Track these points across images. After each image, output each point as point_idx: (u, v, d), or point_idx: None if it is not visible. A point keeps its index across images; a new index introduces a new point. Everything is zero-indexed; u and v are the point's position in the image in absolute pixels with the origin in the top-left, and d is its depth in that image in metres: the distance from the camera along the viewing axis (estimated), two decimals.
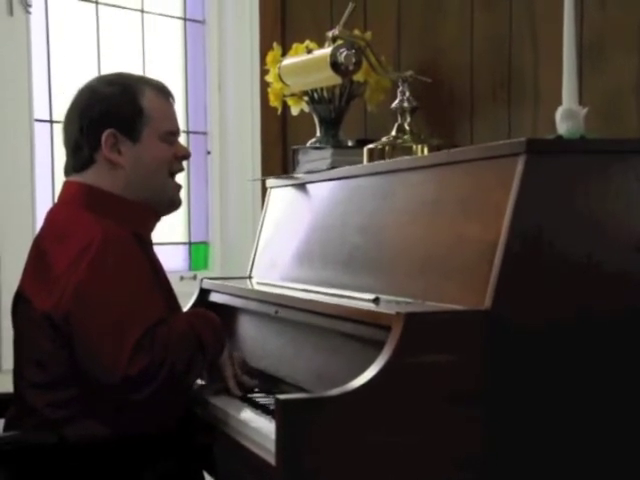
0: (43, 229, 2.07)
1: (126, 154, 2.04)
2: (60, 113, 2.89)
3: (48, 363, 1.93)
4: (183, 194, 2.19)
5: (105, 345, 1.84)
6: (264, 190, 2.88)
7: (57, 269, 1.92)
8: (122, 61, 3.20)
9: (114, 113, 2.03)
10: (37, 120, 2.96)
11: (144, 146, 2.05)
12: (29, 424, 1.96)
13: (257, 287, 2.39)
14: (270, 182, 2.71)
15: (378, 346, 1.59)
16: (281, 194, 2.60)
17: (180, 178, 2.17)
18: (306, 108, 2.74)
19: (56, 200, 2.15)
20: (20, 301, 2.01)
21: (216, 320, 2.06)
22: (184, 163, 2.18)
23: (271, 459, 1.60)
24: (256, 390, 2.07)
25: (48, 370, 1.93)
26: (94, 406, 1.91)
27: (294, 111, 2.78)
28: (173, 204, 2.15)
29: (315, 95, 2.68)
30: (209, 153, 3.43)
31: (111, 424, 1.91)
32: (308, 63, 2.47)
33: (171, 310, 2.06)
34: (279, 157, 3.22)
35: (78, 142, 2.05)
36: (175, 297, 2.13)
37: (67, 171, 2.11)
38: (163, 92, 2.11)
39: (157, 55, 3.34)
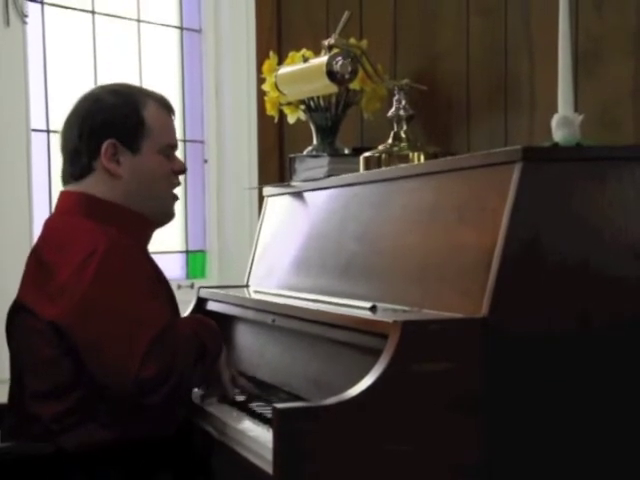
0: (41, 239, 2.07)
1: (125, 165, 2.04)
2: (57, 123, 2.91)
3: (51, 371, 1.93)
4: (180, 202, 2.20)
5: (116, 351, 1.85)
6: (261, 198, 2.88)
7: (61, 277, 1.91)
8: (119, 70, 3.20)
9: (116, 123, 2.03)
10: (34, 130, 2.96)
11: (143, 158, 2.06)
12: (28, 434, 1.95)
13: (254, 295, 2.39)
14: (267, 190, 2.71)
15: (375, 354, 1.59)
16: (278, 202, 2.61)
17: (177, 189, 2.17)
18: (303, 116, 2.74)
19: (53, 210, 2.15)
20: (19, 312, 2.01)
21: (214, 326, 2.07)
22: (181, 177, 2.19)
23: (269, 468, 1.60)
24: (253, 399, 2.06)
25: (51, 378, 1.93)
26: (95, 414, 1.92)
27: (291, 119, 2.79)
28: (167, 216, 2.16)
29: (311, 103, 2.68)
30: (206, 161, 3.43)
31: (110, 431, 1.91)
32: (304, 72, 2.48)
33: (175, 316, 2.07)
34: (276, 165, 3.22)
35: (77, 149, 2.05)
36: (176, 304, 2.14)
37: (64, 178, 2.11)
38: (165, 106, 2.12)
39: (154, 64, 3.34)
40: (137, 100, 2.07)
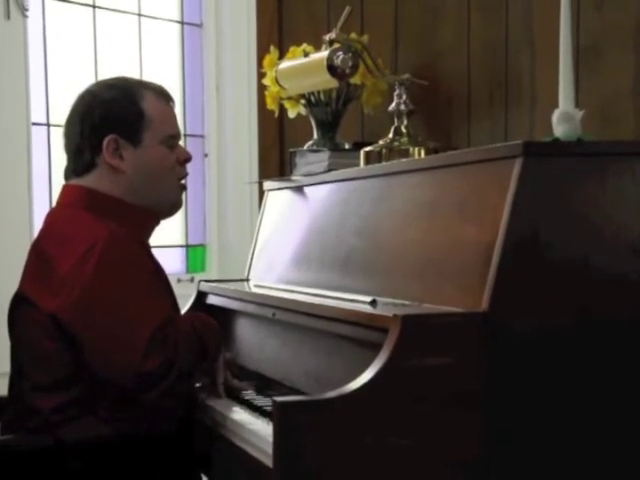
0: (43, 231, 2.07)
1: (128, 159, 2.04)
2: (57, 117, 2.91)
3: (52, 364, 1.93)
4: None
5: (117, 345, 1.85)
6: (261, 193, 2.88)
7: (62, 269, 1.91)
8: (119, 65, 3.19)
9: (115, 117, 2.03)
10: (34, 123, 2.96)
11: (145, 150, 2.05)
12: (28, 427, 1.95)
13: (254, 289, 2.39)
14: (267, 185, 2.71)
15: (375, 348, 1.59)
16: (278, 197, 2.61)
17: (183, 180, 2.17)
18: (303, 111, 2.74)
19: (54, 203, 2.15)
20: (20, 304, 2.01)
21: (215, 325, 2.07)
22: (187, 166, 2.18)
23: (268, 461, 1.60)
24: (251, 391, 2.07)
25: (52, 371, 1.93)
26: (94, 407, 1.92)
27: (291, 114, 2.79)
28: (174, 207, 2.15)
29: (312, 98, 2.68)
30: (206, 156, 3.43)
31: (110, 425, 1.92)
32: (305, 66, 2.48)
33: (175, 311, 2.07)
34: (276, 160, 3.22)
35: (79, 147, 2.05)
36: (176, 299, 2.14)
37: (67, 175, 2.11)
38: (163, 96, 2.11)
39: (154, 58, 3.34)
40: (135, 92, 2.06)
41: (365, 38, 2.57)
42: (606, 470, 1.67)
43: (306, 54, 2.52)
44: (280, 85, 2.63)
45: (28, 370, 1.98)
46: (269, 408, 1.79)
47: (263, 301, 2.19)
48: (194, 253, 3.45)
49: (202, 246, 3.46)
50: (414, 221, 1.90)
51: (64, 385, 1.93)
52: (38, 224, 2.12)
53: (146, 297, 1.92)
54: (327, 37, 2.39)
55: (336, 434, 1.52)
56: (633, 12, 2.16)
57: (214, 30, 3.41)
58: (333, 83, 2.41)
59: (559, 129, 1.74)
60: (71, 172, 2.09)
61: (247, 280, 2.59)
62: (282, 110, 2.82)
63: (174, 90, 3.11)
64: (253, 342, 2.29)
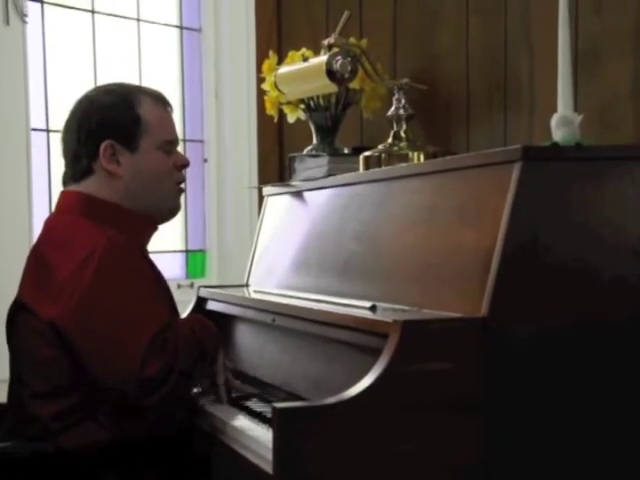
0: (41, 238, 2.07)
1: (125, 165, 2.04)
2: (56, 122, 2.91)
3: (51, 371, 1.93)
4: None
5: (116, 352, 1.85)
6: (261, 198, 2.88)
7: (61, 276, 1.92)
8: (118, 70, 3.20)
9: (112, 123, 2.03)
10: (34, 129, 2.96)
11: (142, 156, 2.06)
12: (28, 434, 1.95)
13: (254, 295, 2.39)
14: (267, 190, 2.71)
15: (375, 354, 1.59)
16: (278, 202, 2.61)
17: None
18: (302, 116, 2.74)
19: (53, 209, 2.15)
20: (20, 311, 2.01)
21: (213, 327, 2.07)
22: (184, 172, 2.18)
23: (268, 468, 1.60)
24: (252, 399, 2.06)
25: (51, 378, 1.93)
26: (94, 414, 1.92)
27: (290, 119, 2.79)
28: (172, 212, 2.15)
29: (311, 103, 2.68)
30: (206, 161, 3.43)
31: (110, 431, 1.92)
32: (304, 71, 2.48)
33: (174, 317, 2.06)
34: (276, 165, 3.22)
35: (77, 152, 2.06)
36: (175, 304, 2.14)
37: (65, 181, 2.11)
38: (161, 101, 2.11)
39: (153, 63, 3.34)
40: (132, 98, 2.06)
41: (364, 42, 2.58)
42: (606, 474, 1.67)
43: (305, 59, 2.52)
44: (279, 90, 2.63)
45: (27, 377, 1.98)
46: (269, 414, 1.79)
47: (263, 307, 2.19)
48: (194, 258, 3.45)
49: (202, 251, 3.46)
50: (413, 226, 1.90)
51: (63, 392, 1.92)
52: (38, 230, 2.12)
53: (145, 303, 1.92)
54: (326, 42, 2.39)
55: (336, 440, 1.52)
56: (632, 16, 2.17)
57: (213, 35, 3.42)
58: (332, 88, 2.41)
59: (558, 133, 1.74)
60: (69, 178, 2.09)
61: (247, 285, 2.59)
62: (281, 115, 2.82)
63: (173, 95, 3.12)
64: (253, 348, 2.29)
